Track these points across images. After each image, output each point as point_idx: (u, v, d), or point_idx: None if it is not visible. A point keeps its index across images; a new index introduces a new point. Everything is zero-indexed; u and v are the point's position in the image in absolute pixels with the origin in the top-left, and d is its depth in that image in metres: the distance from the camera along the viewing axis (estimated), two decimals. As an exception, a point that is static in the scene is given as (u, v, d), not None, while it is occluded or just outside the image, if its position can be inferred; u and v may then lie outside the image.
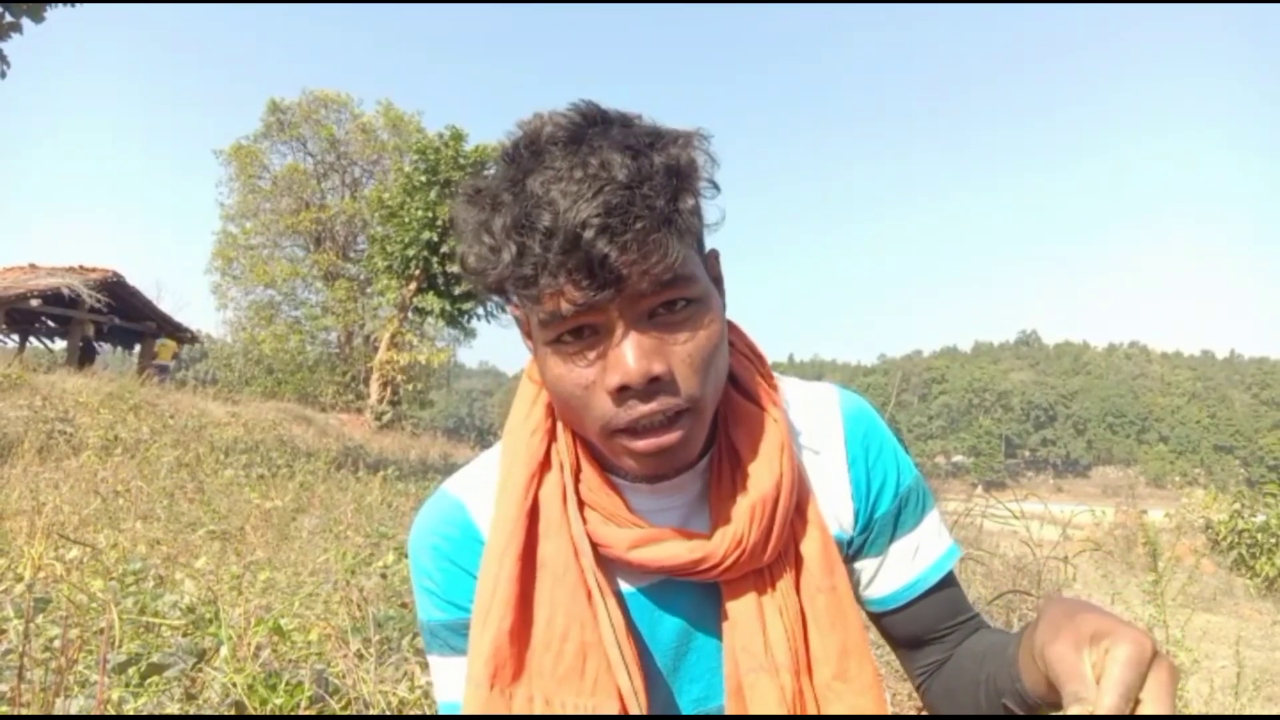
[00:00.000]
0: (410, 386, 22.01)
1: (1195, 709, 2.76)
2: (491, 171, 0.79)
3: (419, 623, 0.95)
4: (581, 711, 0.81)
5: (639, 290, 0.74)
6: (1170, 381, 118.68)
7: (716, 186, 0.81)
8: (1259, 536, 12.53)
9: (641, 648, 0.90)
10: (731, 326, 0.94)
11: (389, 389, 21.43)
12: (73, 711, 1.96)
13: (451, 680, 0.91)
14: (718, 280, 0.88)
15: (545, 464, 0.89)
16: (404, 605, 3.32)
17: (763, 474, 0.86)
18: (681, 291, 0.77)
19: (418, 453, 14.98)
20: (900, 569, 0.95)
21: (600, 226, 0.71)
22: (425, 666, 2.50)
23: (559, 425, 0.90)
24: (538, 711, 0.81)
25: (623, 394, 0.76)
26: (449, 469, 12.21)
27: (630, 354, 0.75)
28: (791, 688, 0.85)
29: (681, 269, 0.75)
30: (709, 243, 0.86)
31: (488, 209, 0.76)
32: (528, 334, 0.86)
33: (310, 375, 25.45)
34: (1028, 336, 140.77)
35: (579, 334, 0.77)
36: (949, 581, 0.99)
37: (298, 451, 10.45)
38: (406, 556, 4.44)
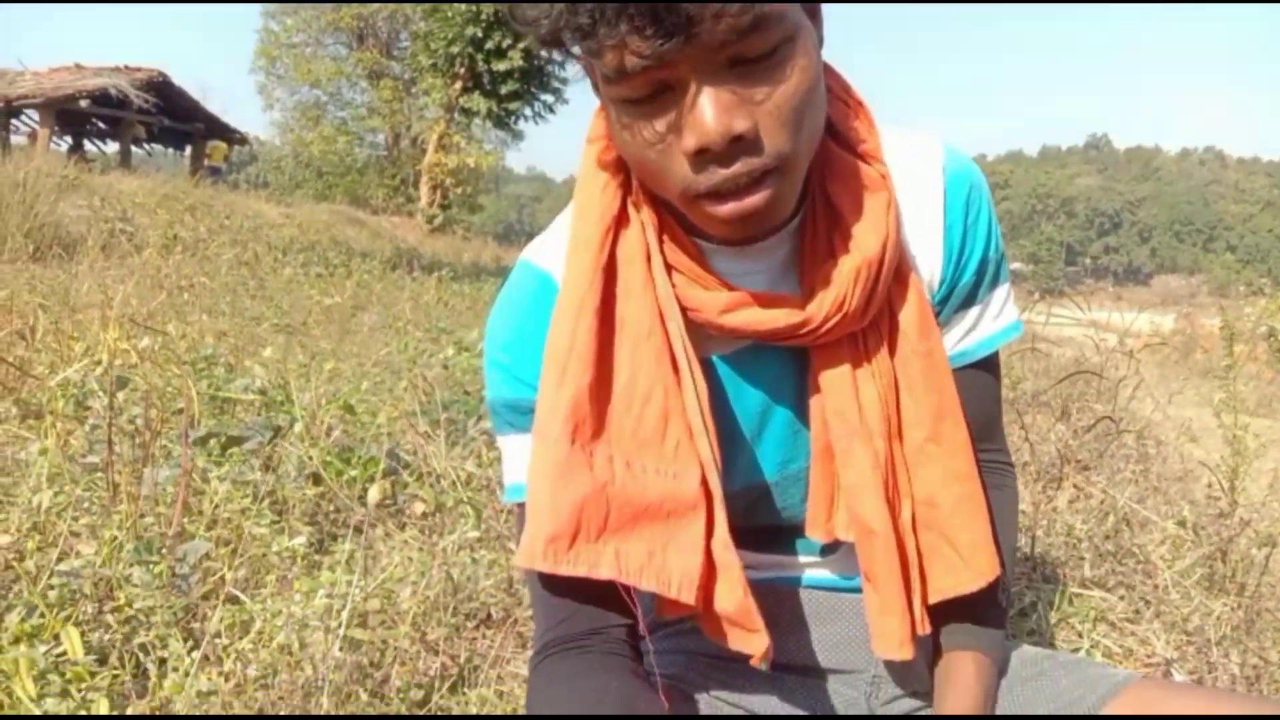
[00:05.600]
0: (459, 190, 21.86)
1: (1244, 511, 2.74)
2: None
3: (487, 401, 0.91)
4: (663, 476, 0.78)
5: (715, 37, 0.64)
6: (1244, 189, 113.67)
7: None
8: (1322, 344, 12.25)
9: (725, 415, 0.87)
10: (827, 69, 0.84)
11: (439, 192, 21.32)
12: (161, 479, 2.05)
13: (519, 460, 0.87)
14: (813, 13, 0.76)
15: (621, 218, 0.82)
16: (467, 393, 3.40)
17: (867, 233, 0.79)
18: (766, 35, 0.66)
19: (470, 256, 15.09)
20: (954, 336, 0.91)
21: None
22: (491, 445, 2.58)
23: (633, 179, 0.82)
24: (618, 472, 0.77)
25: (701, 157, 0.68)
26: (501, 272, 12.28)
27: (708, 112, 0.66)
28: (884, 451, 0.83)
29: (763, 7, 0.64)
30: None
31: None
32: (596, 85, 0.76)
33: (360, 178, 25.35)
34: (1098, 140, 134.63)
35: (649, 90, 0.68)
36: (994, 363, 0.95)
37: (352, 252, 10.55)
38: (466, 351, 4.54)
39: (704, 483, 0.78)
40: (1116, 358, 3.45)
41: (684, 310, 0.81)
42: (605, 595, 0.81)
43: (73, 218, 9.05)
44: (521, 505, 0.85)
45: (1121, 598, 1.73)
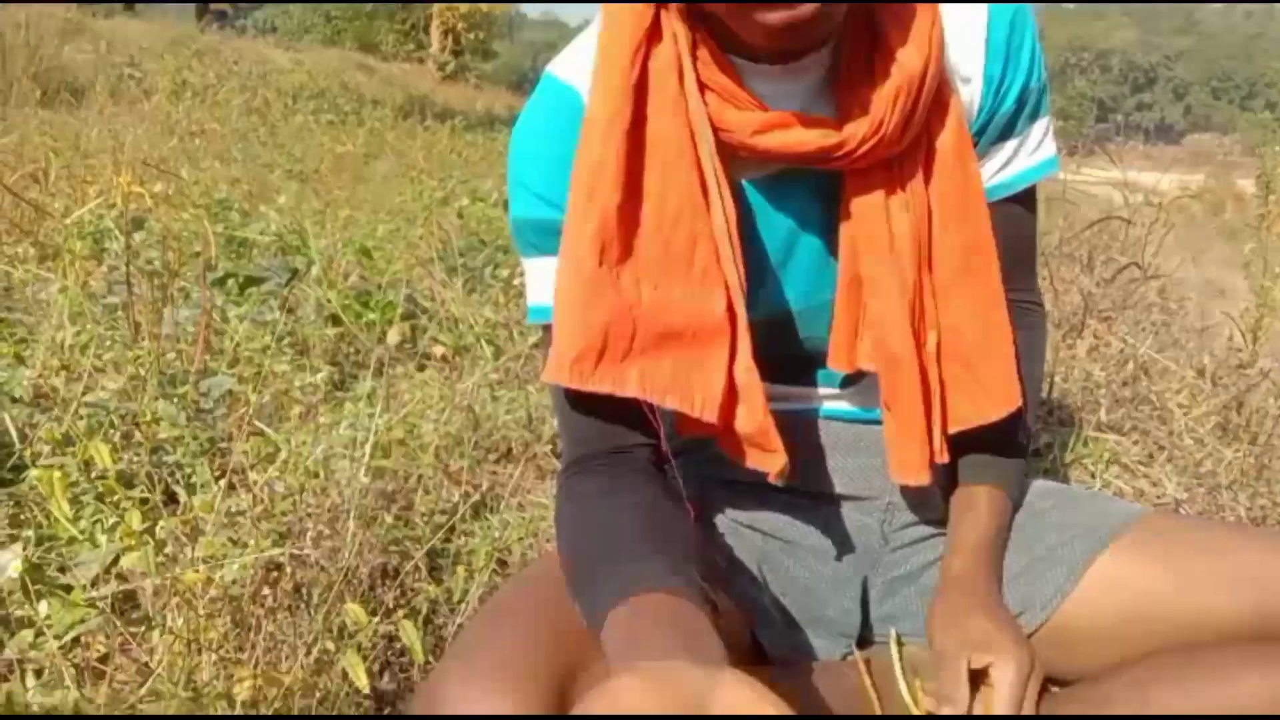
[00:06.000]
0: (471, 36, 21.16)
1: (1264, 362, 2.72)
2: None
3: (511, 221, 0.89)
4: (688, 300, 0.78)
5: None
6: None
7: None
8: (1356, 205, 11.95)
9: (753, 242, 0.85)
10: None
11: (450, 38, 20.66)
12: (181, 319, 2.07)
13: (544, 282, 0.86)
14: None
15: (654, 33, 0.78)
16: (483, 241, 3.38)
17: (910, 54, 0.76)
18: None
19: (483, 105, 14.73)
20: (991, 168, 0.89)
21: None
22: (507, 292, 2.58)
23: None
24: (644, 293, 0.77)
25: None
26: (515, 121, 11.99)
27: None
28: (912, 280, 0.82)
29: None
30: None
31: None
32: None
33: (369, 23, 24.52)
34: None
35: None
36: (1031, 198, 0.94)
37: (363, 100, 10.33)
38: (481, 200, 4.49)
39: (729, 308, 0.78)
40: (1143, 212, 3.38)
41: (715, 131, 0.78)
42: (630, 414, 0.82)
43: (79, 62, 8.86)
44: (546, 327, 0.84)
45: (1135, 442, 1.75)
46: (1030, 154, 0.90)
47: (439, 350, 2.11)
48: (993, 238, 0.84)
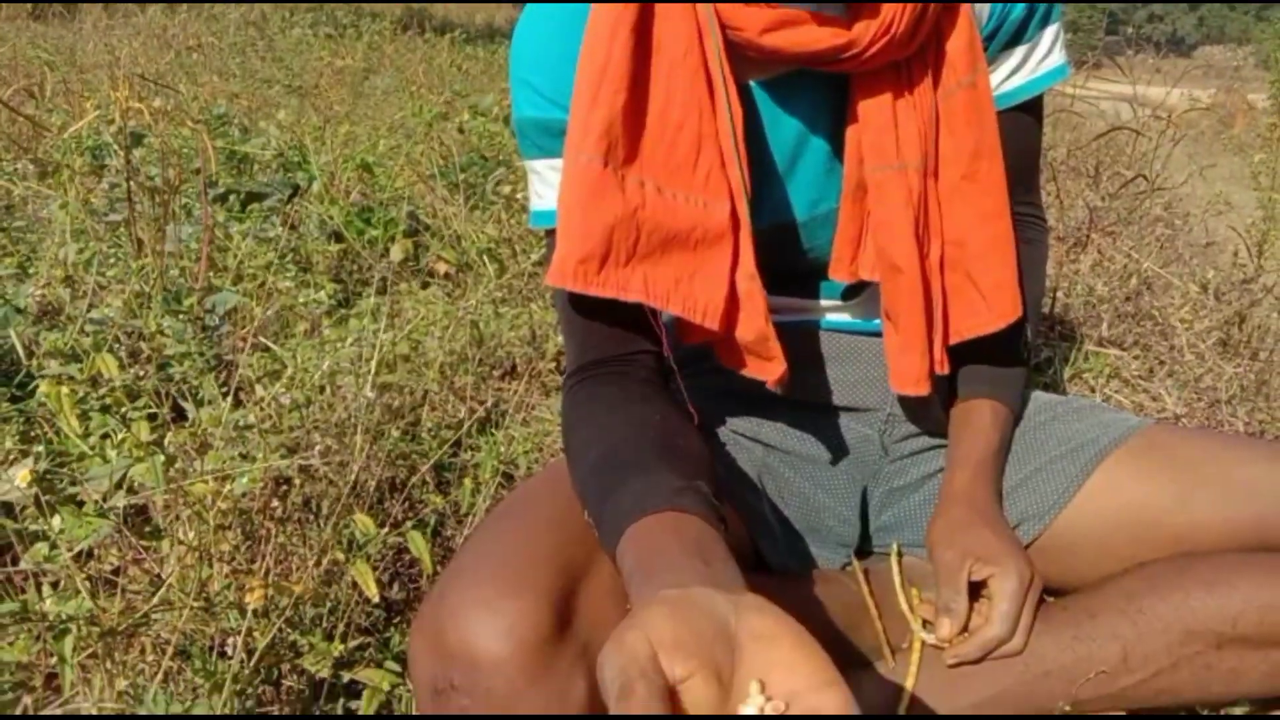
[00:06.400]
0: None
1: (1268, 278, 2.70)
2: None
3: (514, 122, 0.88)
4: (692, 204, 0.77)
5: None
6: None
7: None
8: (1372, 120, 11.69)
9: (759, 145, 0.84)
10: None
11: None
12: (184, 236, 2.06)
13: (546, 185, 0.86)
14: None
15: None
16: (484, 157, 3.34)
17: None
18: None
19: (483, 17, 14.37)
20: (999, 75, 0.87)
21: None
22: (509, 209, 2.56)
23: None
24: (649, 197, 0.76)
25: None
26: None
27: None
28: (918, 188, 0.81)
29: None
30: None
31: None
32: None
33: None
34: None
35: None
36: (1038, 107, 0.92)
37: (361, 11, 10.08)
38: (482, 115, 4.41)
39: (733, 213, 0.77)
40: (1151, 126, 3.32)
41: (723, 29, 0.76)
42: (633, 321, 0.82)
43: (68, -28, 8.64)
44: (549, 232, 0.84)
45: (1136, 357, 1.75)
46: (1040, 61, 0.89)
47: (442, 267, 2.11)
48: (999, 146, 0.83)
